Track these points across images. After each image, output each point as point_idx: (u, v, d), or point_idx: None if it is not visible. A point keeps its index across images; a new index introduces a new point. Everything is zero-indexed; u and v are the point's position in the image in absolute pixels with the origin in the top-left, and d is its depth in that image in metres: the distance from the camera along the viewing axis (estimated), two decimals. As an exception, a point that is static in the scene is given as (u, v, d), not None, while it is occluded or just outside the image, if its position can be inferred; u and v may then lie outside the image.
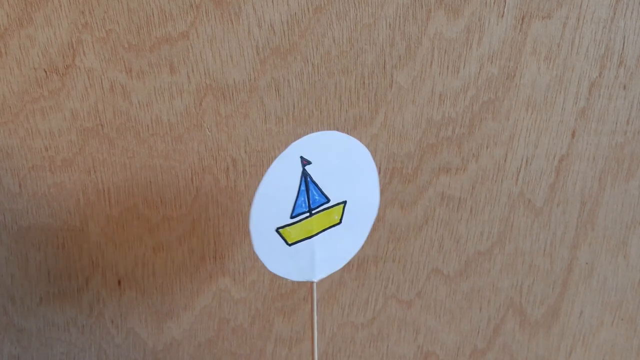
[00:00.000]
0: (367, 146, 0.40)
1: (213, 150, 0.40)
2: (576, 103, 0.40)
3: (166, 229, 0.42)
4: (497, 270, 0.43)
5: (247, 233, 0.42)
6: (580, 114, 0.40)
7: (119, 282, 0.43)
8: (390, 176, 0.41)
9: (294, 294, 0.44)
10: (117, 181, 0.41)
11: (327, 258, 0.34)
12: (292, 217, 0.32)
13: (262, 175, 0.37)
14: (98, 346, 0.45)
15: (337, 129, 0.39)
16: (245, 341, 0.45)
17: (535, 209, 0.42)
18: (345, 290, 0.44)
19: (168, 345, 0.45)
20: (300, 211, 0.32)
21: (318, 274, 0.34)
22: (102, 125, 0.39)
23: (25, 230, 0.42)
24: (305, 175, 0.32)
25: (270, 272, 0.34)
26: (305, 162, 0.32)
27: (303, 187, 0.32)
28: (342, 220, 0.34)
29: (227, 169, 0.40)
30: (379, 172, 0.41)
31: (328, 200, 0.33)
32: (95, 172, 0.40)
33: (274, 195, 0.32)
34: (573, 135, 0.40)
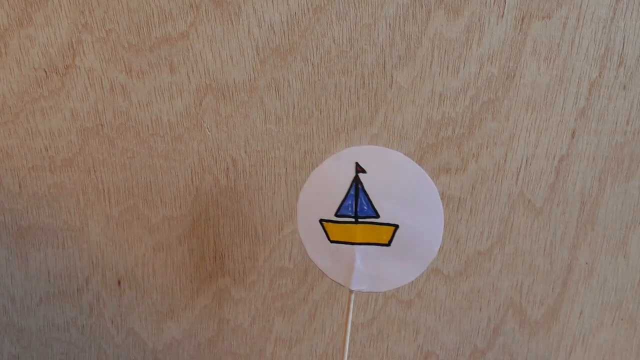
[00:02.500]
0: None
1: (213, 150, 0.40)
2: (576, 103, 0.40)
3: (166, 229, 0.42)
4: (497, 270, 0.43)
5: (247, 233, 0.42)
6: (580, 114, 0.40)
7: (119, 282, 0.43)
8: (390, 176, 0.41)
9: (294, 294, 0.44)
10: (117, 181, 0.41)
11: (369, 274, 0.34)
12: (336, 215, 0.33)
13: (262, 175, 0.37)
14: (98, 346, 0.45)
15: (337, 129, 0.39)
16: (245, 341, 0.45)
17: (535, 209, 0.42)
18: (345, 290, 0.44)
19: (168, 345, 0.45)
20: (346, 213, 0.33)
21: (356, 284, 0.34)
22: (102, 125, 0.39)
23: (25, 230, 0.42)
24: (357, 181, 0.32)
25: (311, 261, 0.34)
26: (359, 169, 0.32)
27: (352, 192, 0.32)
28: (391, 244, 0.33)
29: (227, 169, 0.40)
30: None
31: (377, 216, 0.33)
32: (95, 172, 0.40)
33: (324, 189, 0.33)
34: (573, 135, 0.40)
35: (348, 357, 0.46)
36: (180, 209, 0.41)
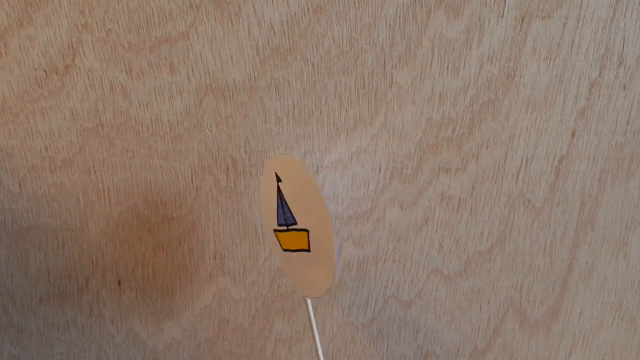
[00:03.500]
0: (367, 146, 0.40)
1: (213, 150, 0.40)
2: (576, 103, 0.40)
3: (166, 229, 0.42)
4: (497, 270, 0.43)
5: (247, 233, 0.42)
6: (580, 114, 0.40)
7: (119, 282, 0.43)
8: (390, 176, 0.41)
9: (294, 294, 0.44)
10: (117, 181, 0.41)
11: (312, 282, 0.34)
12: (278, 224, 0.34)
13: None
14: (98, 346, 0.45)
15: (337, 129, 0.39)
16: (245, 341, 0.45)
17: (535, 209, 0.42)
18: (345, 290, 0.44)
19: (168, 345, 0.45)
20: (281, 222, 0.34)
21: (305, 291, 0.34)
22: (102, 125, 0.39)
23: (26, 230, 0.42)
24: (279, 191, 0.33)
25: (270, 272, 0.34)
26: (278, 178, 0.33)
27: (279, 201, 0.33)
28: (311, 249, 0.33)
29: (227, 169, 0.40)
30: (379, 172, 0.41)
31: (295, 222, 0.33)
32: (95, 172, 0.40)
33: (268, 199, 0.34)
34: (573, 135, 0.40)
35: (348, 357, 0.46)
36: (180, 209, 0.41)
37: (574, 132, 0.40)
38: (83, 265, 0.43)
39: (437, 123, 0.40)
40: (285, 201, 0.33)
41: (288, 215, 0.33)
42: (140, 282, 0.43)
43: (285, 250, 0.34)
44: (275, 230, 0.34)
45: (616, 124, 0.40)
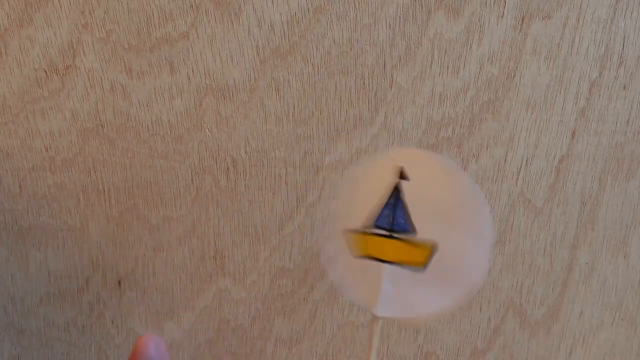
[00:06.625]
0: (367, 146, 0.40)
1: (213, 151, 0.40)
2: (576, 103, 0.40)
3: (166, 229, 0.42)
4: (497, 270, 0.43)
5: (247, 233, 0.42)
6: (580, 114, 0.40)
7: (119, 282, 0.43)
8: (390, 176, 0.41)
9: (294, 294, 0.44)
10: (117, 181, 0.41)
11: (398, 298, 0.29)
12: (368, 227, 0.28)
13: (262, 175, 0.37)
14: (98, 346, 0.45)
15: (337, 129, 0.39)
16: (245, 341, 0.45)
17: (535, 209, 0.42)
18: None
19: (168, 346, 0.45)
20: (382, 225, 0.28)
21: (382, 310, 0.29)
22: (102, 125, 0.39)
23: (26, 231, 0.42)
24: (397, 189, 0.27)
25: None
26: (402, 175, 0.27)
27: (392, 201, 0.28)
28: (427, 268, 0.28)
29: (227, 169, 0.40)
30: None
31: (414, 232, 0.27)
32: (95, 172, 0.40)
33: (355, 194, 0.28)
34: (573, 135, 0.40)
35: (348, 357, 0.46)
36: (180, 209, 0.41)
37: (574, 132, 0.40)
38: (83, 265, 0.43)
39: (437, 123, 0.40)
40: (405, 204, 0.27)
41: (401, 220, 0.27)
42: (140, 282, 0.43)
43: (357, 257, 0.28)
44: (353, 232, 0.28)
45: (616, 124, 0.40)
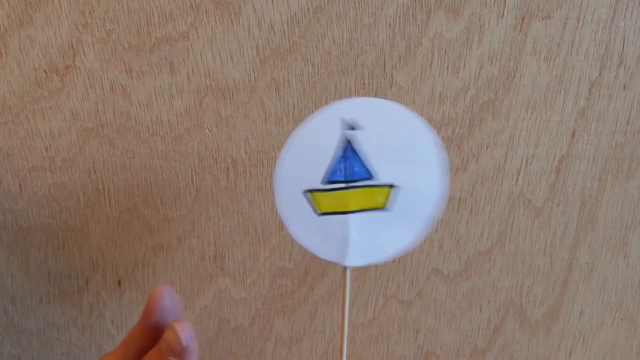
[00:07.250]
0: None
1: (213, 151, 0.40)
2: (576, 103, 0.40)
3: (166, 229, 0.42)
4: (497, 271, 0.43)
5: (247, 233, 0.42)
6: (580, 114, 0.40)
7: (119, 282, 0.43)
8: (390, 176, 0.41)
9: (294, 294, 0.44)
10: (117, 181, 0.41)
11: (366, 245, 0.30)
12: (324, 183, 0.29)
13: (262, 175, 0.37)
14: (98, 346, 0.45)
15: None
16: (245, 341, 0.45)
17: (535, 209, 0.42)
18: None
19: (168, 346, 0.45)
20: (336, 179, 0.29)
21: (352, 260, 0.30)
22: (102, 125, 0.39)
23: (26, 231, 0.42)
24: (347, 141, 0.28)
25: (300, 244, 0.30)
26: (349, 126, 0.28)
27: (341, 154, 0.28)
28: (389, 207, 0.29)
29: (227, 169, 0.40)
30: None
31: (370, 177, 0.29)
32: (95, 172, 0.40)
33: (306, 154, 0.29)
34: (573, 135, 0.40)
35: (348, 357, 0.46)
36: (180, 209, 0.41)
37: (574, 132, 0.40)
38: (83, 265, 0.43)
39: (437, 123, 0.40)
40: (357, 153, 0.28)
41: (358, 169, 0.28)
42: (140, 282, 0.43)
43: (322, 214, 0.29)
44: (311, 191, 0.29)
45: (616, 124, 0.40)
